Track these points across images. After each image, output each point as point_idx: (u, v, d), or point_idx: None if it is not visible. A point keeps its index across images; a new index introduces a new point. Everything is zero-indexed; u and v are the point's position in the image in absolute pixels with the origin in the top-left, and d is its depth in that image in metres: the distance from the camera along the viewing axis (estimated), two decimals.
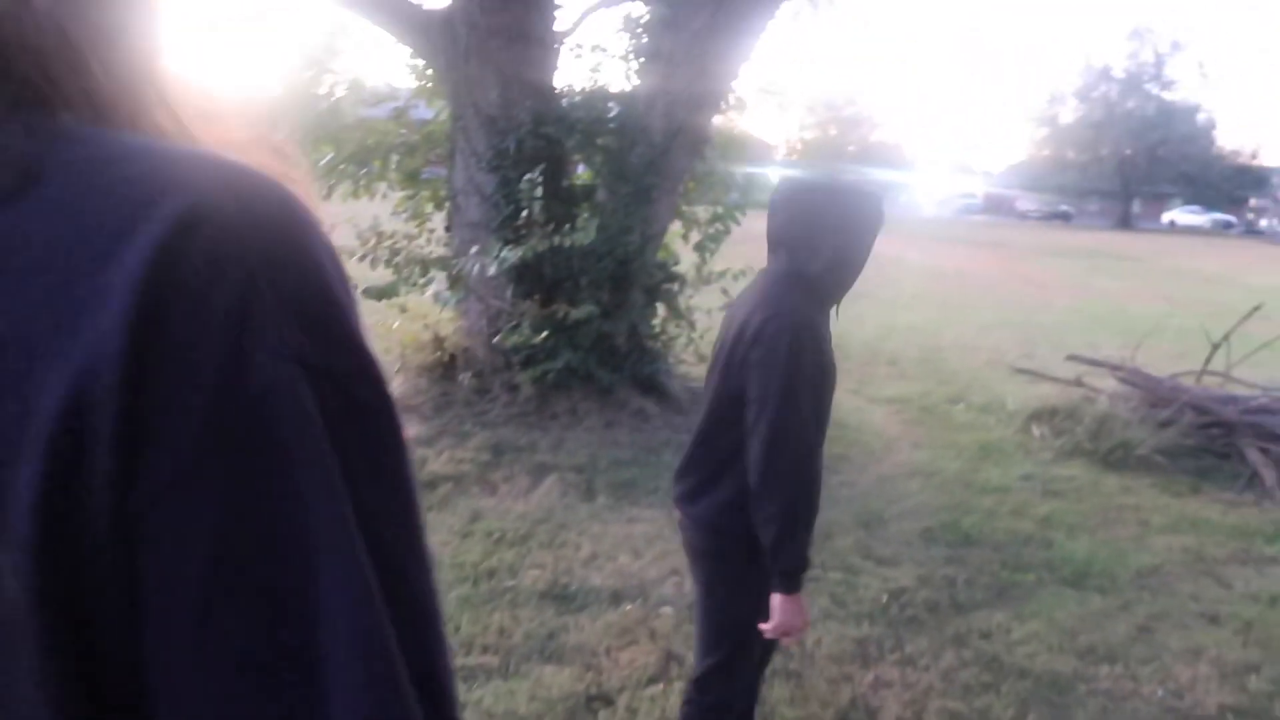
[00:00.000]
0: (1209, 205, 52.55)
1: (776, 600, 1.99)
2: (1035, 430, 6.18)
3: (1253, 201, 53.52)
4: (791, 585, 1.98)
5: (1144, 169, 50.09)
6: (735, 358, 2.03)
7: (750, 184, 7.41)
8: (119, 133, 0.43)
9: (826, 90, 44.80)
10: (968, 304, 13.21)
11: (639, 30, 6.31)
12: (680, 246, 6.81)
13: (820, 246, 2.04)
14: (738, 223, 6.47)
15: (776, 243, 2.10)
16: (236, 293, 0.38)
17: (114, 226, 0.38)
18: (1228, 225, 50.28)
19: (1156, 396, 6.11)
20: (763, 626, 2.05)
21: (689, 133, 6.06)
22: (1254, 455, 5.49)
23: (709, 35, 5.76)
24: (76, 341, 0.36)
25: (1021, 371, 7.65)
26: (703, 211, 6.84)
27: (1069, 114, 53.63)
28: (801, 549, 1.99)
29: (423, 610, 0.43)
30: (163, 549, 0.37)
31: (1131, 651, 3.39)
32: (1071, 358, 7.14)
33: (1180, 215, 53.33)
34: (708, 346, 6.99)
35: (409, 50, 6.63)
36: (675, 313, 6.44)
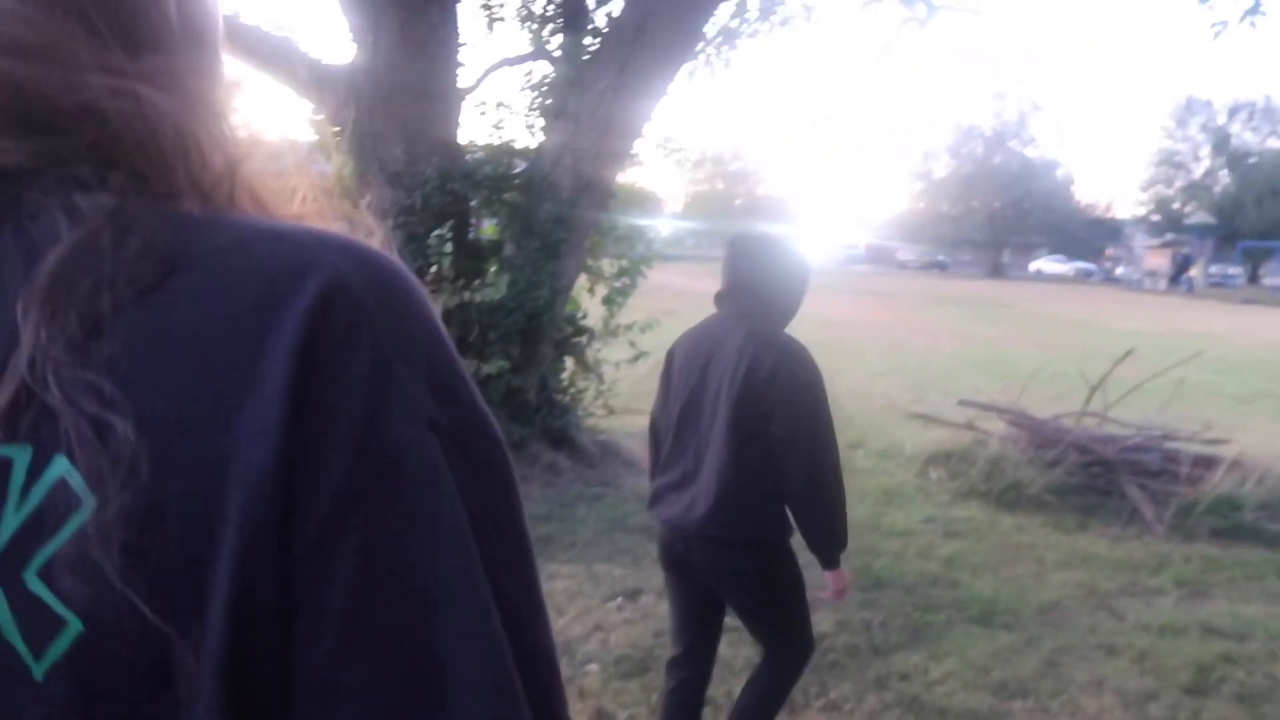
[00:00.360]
0: (1071, 254, 55.88)
1: (830, 575, 2.42)
2: (933, 473, 6.42)
3: (1109, 251, 57.13)
4: (837, 562, 2.40)
5: (1011, 220, 53.01)
6: (752, 390, 2.30)
7: (644, 236, 7.53)
8: (235, 217, 0.46)
9: (715, 145, 46.01)
10: (859, 351, 13.65)
11: (544, 89, 6.41)
12: (587, 300, 6.87)
13: (778, 289, 2.47)
14: (644, 276, 6.57)
15: (740, 288, 2.47)
16: (370, 362, 0.41)
17: (258, 308, 0.41)
18: (1088, 273, 53.52)
19: (1042, 438, 6.43)
20: (824, 596, 2.51)
21: (595, 188, 6.15)
22: (1133, 491, 5.82)
23: (614, 95, 5.89)
24: (243, 418, 0.39)
25: (916, 416, 7.94)
26: (608, 265, 6.93)
27: (942, 169, 56.45)
28: (845, 533, 2.40)
29: (543, 657, 0.46)
30: (311, 598, 0.39)
31: (1041, 685, 3.52)
32: (962, 402, 7.45)
33: (1046, 264, 56.51)
34: (616, 399, 7.06)
35: (310, 105, 6.55)
36: (584, 366, 6.48)
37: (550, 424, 6.10)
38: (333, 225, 0.52)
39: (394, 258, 0.46)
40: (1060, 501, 5.81)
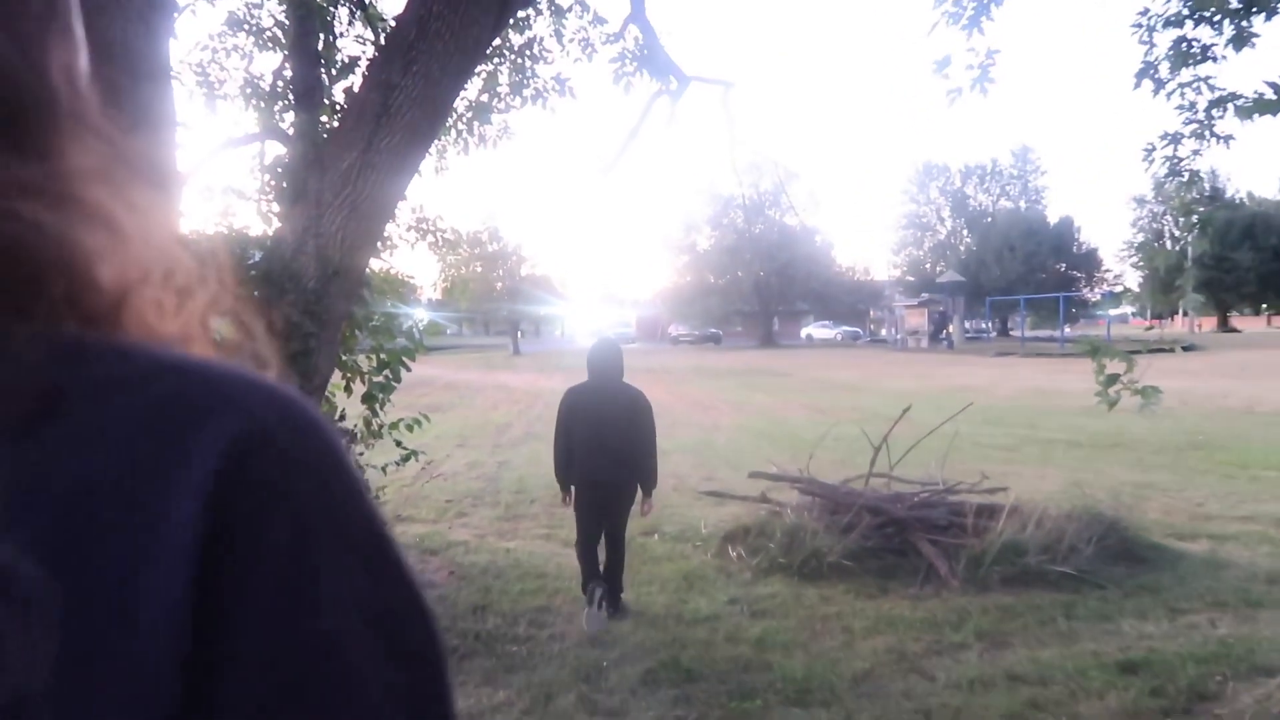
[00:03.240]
0: (838, 319, 60.25)
1: (650, 501, 5.71)
2: (732, 552, 6.58)
3: (872, 313, 62.06)
4: (651, 494, 5.68)
5: (777, 288, 56.53)
6: (634, 414, 5.46)
7: (403, 326, 7.37)
8: (126, 345, 0.42)
9: (472, 226, 45.99)
10: None
11: (279, 170, 6.19)
12: (344, 399, 6.59)
13: (620, 362, 5.65)
14: (408, 369, 6.41)
15: (606, 368, 5.58)
16: (294, 530, 0.38)
17: (159, 458, 0.37)
18: (855, 336, 57.87)
19: (835, 504, 6.77)
20: (645, 510, 5.75)
21: (346, 276, 5.95)
22: (926, 548, 6.21)
23: (360, 174, 5.77)
24: (140, 592, 0.35)
25: (708, 494, 8.14)
26: (365, 360, 6.71)
27: (705, 241, 59.48)
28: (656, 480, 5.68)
29: None
30: None
31: None
32: (753, 475, 7.73)
33: (815, 330, 60.64)
34: (385, 507, 6.78)
35: None
36: None
37: None
38: (231, 356, 0.48)
39: (310, 403, 0.43)
40: (860, 566, 6.11)
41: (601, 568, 5.54)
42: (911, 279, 63.71)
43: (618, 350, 5.72)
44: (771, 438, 13.09)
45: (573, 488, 5.60)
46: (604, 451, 5.38)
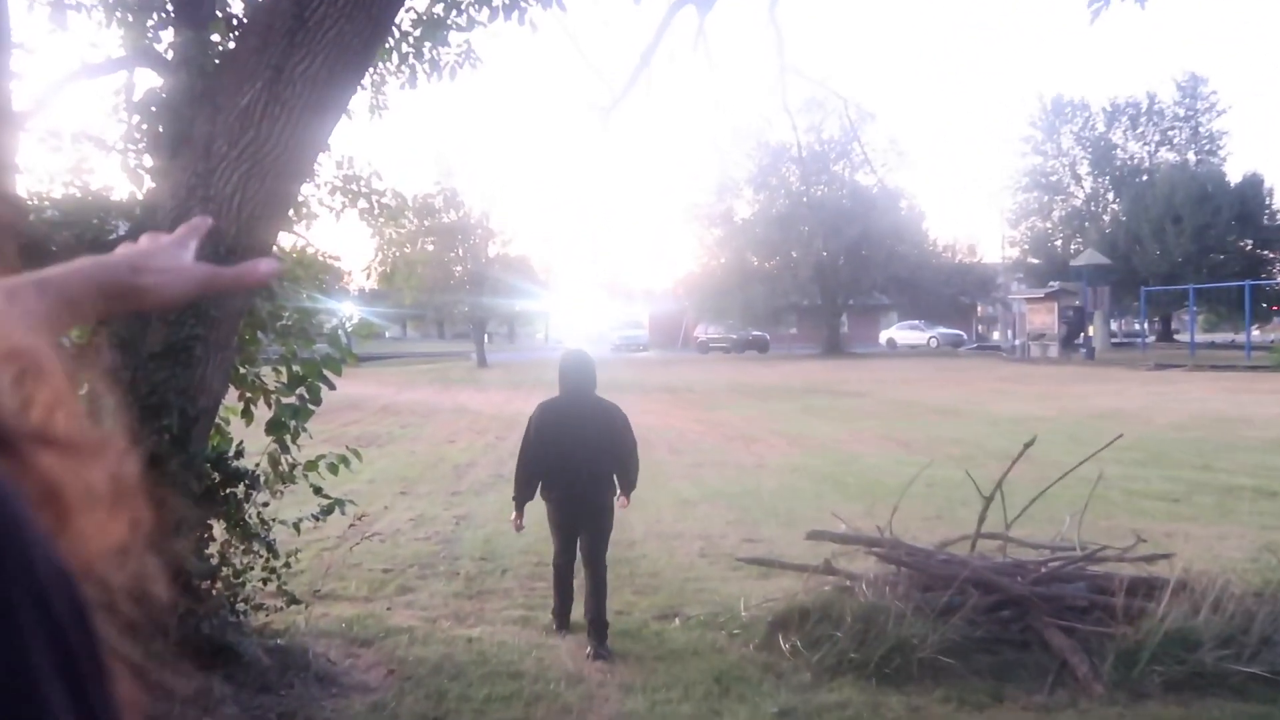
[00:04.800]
0: (931, 318, 60.10)
1: (626, 499, 7.50)
2: (784, 643, 6.55)
3: (981, 309, 61.96)
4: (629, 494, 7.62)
5: (847, 274, 56.42)
6: (611, 430, 7.29)
7: (325, 327, 7.39)
8: None
9: (422, 188, 45.86)
10: (658, 474, 13.91)
11: (153, 110, 6.22)
12: (241, 428, 6.61)
13: (593, 376, 7.54)
14: (332, 386, 6.41)
15: (579, 380, 7.40)
16: None
17: None
18: (958, 341, 57.83)
19: (929, 576, 6.74)
20: (621, 505, 7.51)
21: (244, 255, 5.97)
22: (1057, 639, 6.18)
23: (266, 114, 5.79)
24: None
25: (749, 562, 8.12)
26: (271, 374, 6.72)
27: (746, 208, 59.44)
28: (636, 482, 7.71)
29: None
30: None
31: None
32: (812, 535, 7.71)
33: (900, 332, 60.67)
34: (299, 579, 6.80)
35: None
36: (244, 531, 6.18)
37: (193, 630, 5.75)
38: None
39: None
40: (963, 664, 6.08)
41: (585, 610, 7.03)
42: (1035, 261, 63.72)
43: (590, 362, 7.57)
44: (839, 483, 13.07)
45: (546, 505, 7.34)
46: (579, 469, 7.09)
